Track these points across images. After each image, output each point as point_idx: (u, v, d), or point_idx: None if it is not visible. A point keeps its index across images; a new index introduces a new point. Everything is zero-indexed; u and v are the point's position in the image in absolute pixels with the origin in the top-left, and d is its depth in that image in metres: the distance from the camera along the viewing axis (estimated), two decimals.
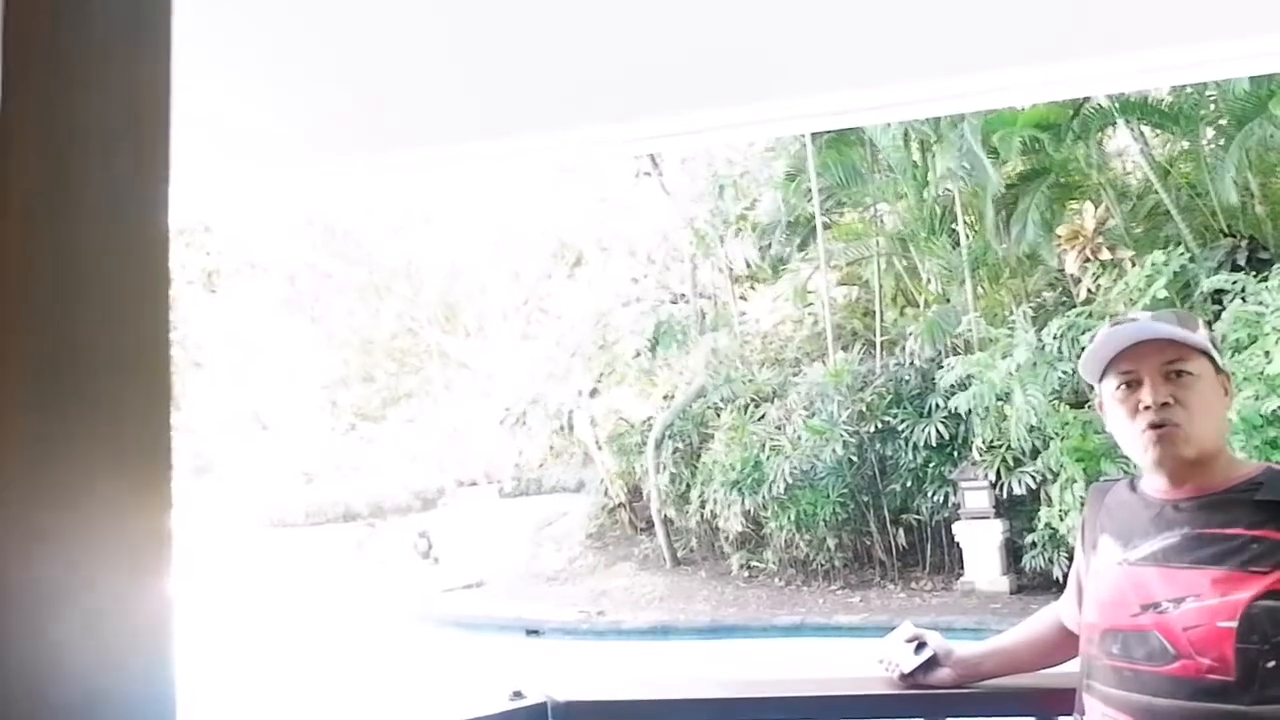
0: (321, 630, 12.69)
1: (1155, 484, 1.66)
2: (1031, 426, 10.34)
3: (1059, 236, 11.10)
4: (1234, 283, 8.83)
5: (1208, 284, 9.29)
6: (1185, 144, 12.75)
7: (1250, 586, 1.45)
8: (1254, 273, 9.30)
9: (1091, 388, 1.75)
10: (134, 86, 0.48)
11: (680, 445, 14.20)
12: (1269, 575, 1.45)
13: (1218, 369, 1.63)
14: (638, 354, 14.78)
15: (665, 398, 15.00)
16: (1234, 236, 10.87)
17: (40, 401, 0.43)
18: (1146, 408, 1.58)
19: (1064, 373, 10.24)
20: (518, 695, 2.19)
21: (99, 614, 0.43)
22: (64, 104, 0.46)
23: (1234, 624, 1.44)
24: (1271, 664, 1.43)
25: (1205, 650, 1.47)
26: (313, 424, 22.51)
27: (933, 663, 2.00)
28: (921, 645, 2.02)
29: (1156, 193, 12.11)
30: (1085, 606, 1.70)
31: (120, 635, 0.44)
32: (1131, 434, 1.62)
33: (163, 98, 0.49)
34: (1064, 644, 1.95)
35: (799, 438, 12.16)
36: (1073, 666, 2.09)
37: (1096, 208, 11.06)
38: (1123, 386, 1.62)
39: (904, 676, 2.00)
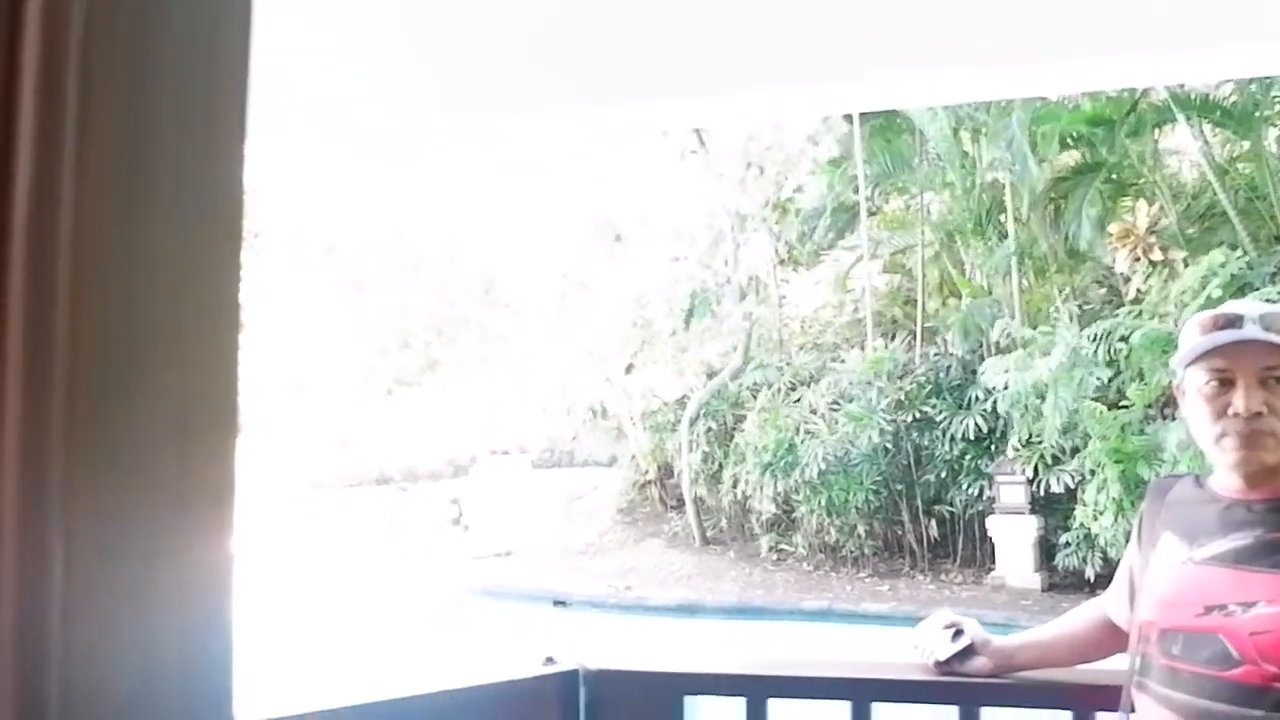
0: (353, 593, 12.87)
1: (1227, 483, 1.61)
2: (1070, 426, 10.20)
3: (1110, 234, 10.89)
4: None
5: (1258, 295, 9.08)
6: (1245, 144, 12.44)
7: None
8: None
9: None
10: (214, 35, 0.48)
11: (714, 425, 14.19)
12: None
13: None
14: (674, 332, 14.74)
15: (701, 376, 14.97)
16: None
17: (114, 364, 0.43)
18: (1237, 414, 1.53)
19: (1100, 373, 10.09)
20: (550, 661, 2.21)
21: (161, 580, 0.44)
22: (142, 48, 0.46)
23: None
24: None
25: (1273, 657, 1.43)
26: (349, 389, 22.73)
27: (969, 651, 1.98)
28: (959, 633, 2.00)
29: (1212, 193, 11.83)
30: (1142, 604, 1.66)
31: (179, 602, 0.45)
32: (1213, 433, 1.57)
33: (242, 47, 0.49)
34: (1107, 640, 1.91)
35: (835, 423, 12.09)
36: (1113, 663, 2.07)
37: (1150, 206, 10.83)
38: (1213, 383, 1.57)
39: (939, 663, 1.99)
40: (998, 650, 1.97)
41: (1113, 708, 1.82)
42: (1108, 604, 1.91)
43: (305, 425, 21.93)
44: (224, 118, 0.49)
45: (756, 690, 2.09)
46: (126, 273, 0.44)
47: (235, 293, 0.49)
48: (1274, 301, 8.67)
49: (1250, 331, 1.55)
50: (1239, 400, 1.53)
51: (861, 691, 2.07)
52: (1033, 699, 2.01)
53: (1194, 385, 1.61)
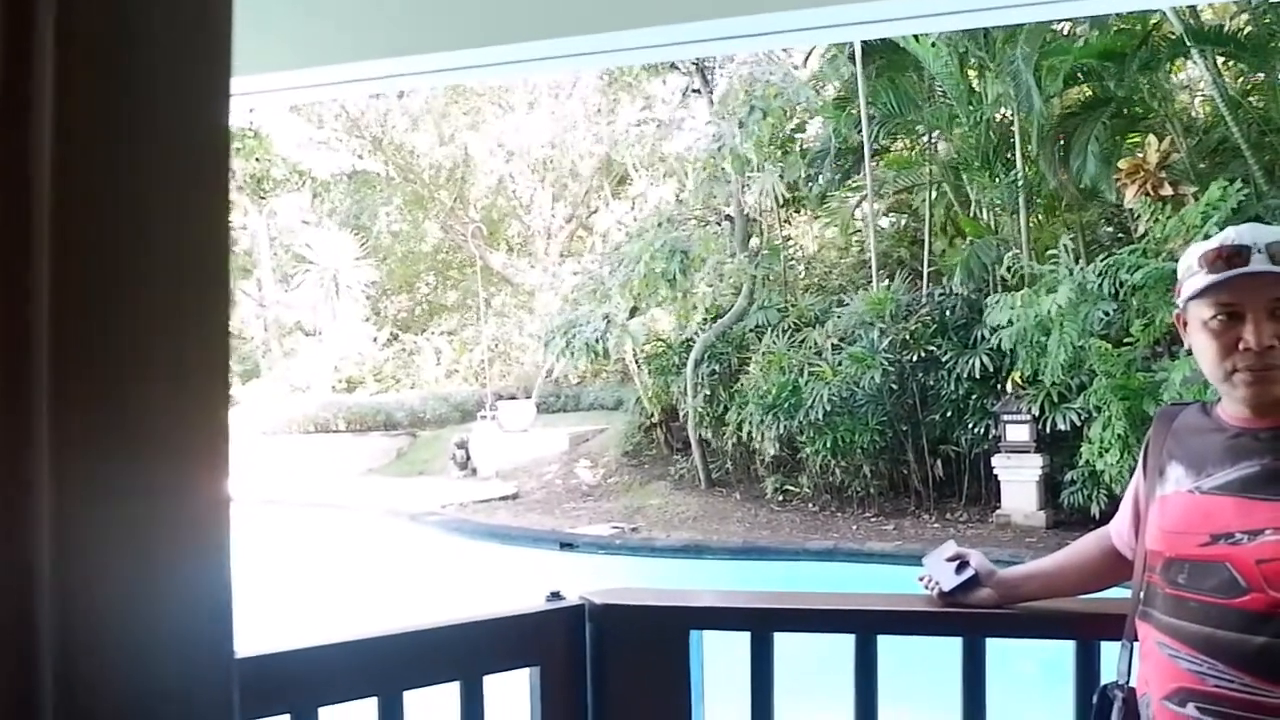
0: (360, 535, 13.01)
1: (1235, 412, 1.60)
2: (1075, 363, 10.18)
3: (1119, 170, 10.76)
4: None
5: (1233, 231, 8.98)
6: (1259, 76, 12.22)
7: None
8: None
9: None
10: None
11: (719, 367, 14.20)
12: None
13: None
14: (678, 274, 14.67)
15: (705, 319, 14.94)
16: None
17: (104, 316, 0.42)
18: (1248, 349, 1.50)
19: (1105, 310, 10.03)
20: (555, 596, 2.22)
21: (158, 520, 0.43)
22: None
23: None
24: None
25: (1279, 584, 1.43)
26: (355, 333, 22.75)
27: (974, 582, 1.99)
28: (964, 564, 2.01)
29: (1224, 127, 11.66)
30: (1148, 533, 1.66)
31: (177, 540, 0.45)
32: (1222, 369, 1.55)
33: None
34: (1112, 569, 1.92)
35: (839, 364, 12.08)
36: (1118, 591, 2.07)
37: (1161, 141, 10.68)
38: (1221, 318, 1.54)
39: (944, 595, 2.00)
40: (1002, 581, 1.98)
41: (1117, 637, 1.84)
42: (1112, 532, 1.91)
43: (312, 369, 22.00)
44: (211, 59, 0.47)
45: (761, 623, 2.11)
46: (112, 216, 0.43)
47: (225, 236, 0.47)
48: None
49: (1258, 264, 1.52)
50: (1250, 335, 1.51)
51: (865, 624, 2.09)
52: (1036, 629, 2.02)
53: (1199, 318, 1.59)
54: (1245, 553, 1.48)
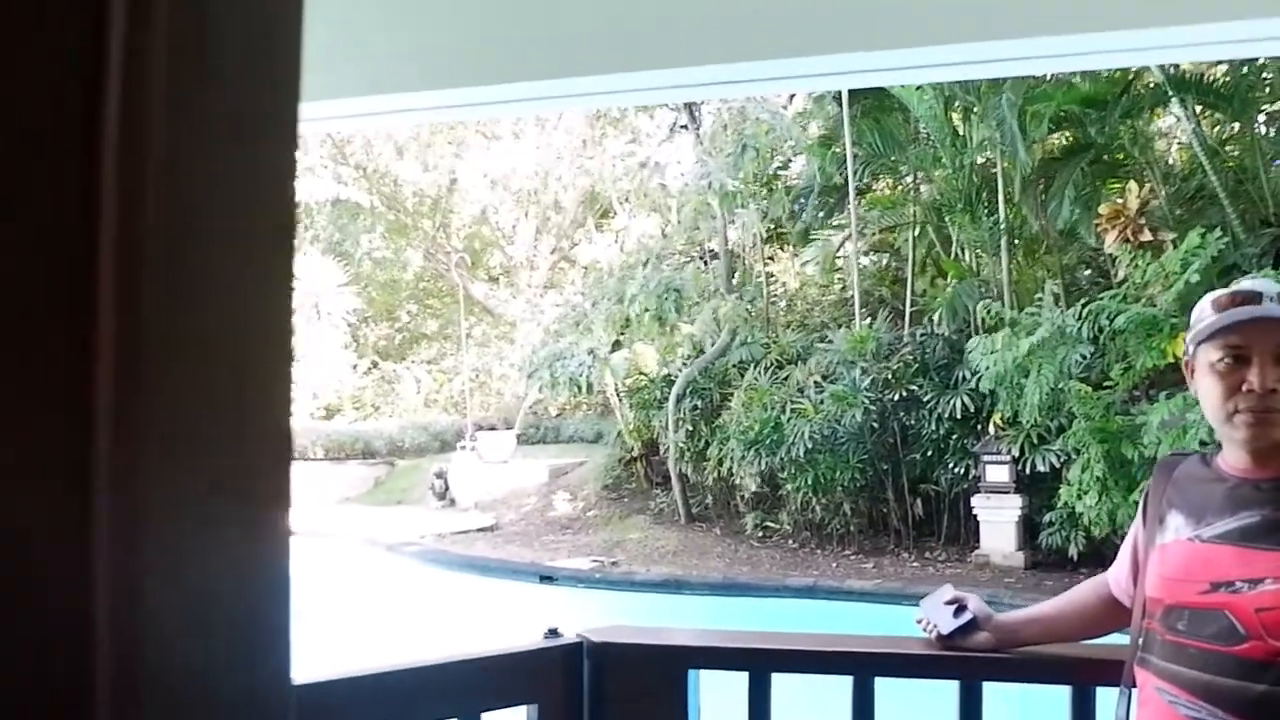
0: (337, 564, 12.87)
1: (1235, 461, 1.63)
2: (1055, 406, 10.27)
3: (1100, 215, 10.94)
4: (1276, 276, 8.69)
5: (1247, 281, 9.15)
6: (1236, 126, 12.49)
7: None
8: None
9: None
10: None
11: (701, 403, 14.22)
12: None
13: None
14: (661, 309, 14.73)
15: (687, 354, 14.99)
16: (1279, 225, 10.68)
17: (171, 343, 0.43)
18: (1251, 390, 1.54)
19: (1084, 353, 10.15)
20: (553, 633, 2.22)
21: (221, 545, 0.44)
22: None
23: None
24: None
25: (1278, 633, 1.45)
26: (334, 360, 22.64)
27: (972, 626, 2.00)
28: (961, 608, 2.02)
29: (1201, 175, 11.88)
30: (1148, 580, 1.68)
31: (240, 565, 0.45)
32: (1224, 410, 1.58)
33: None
34: (1110, 616, 1.94)
35: (822, 402, 12.14)
36: (1115, 638, 2.09)
37: (1140, 188, 10.87)
38: (1228, 360, 1.58)
39: (942, 638, 2.01)
40: (1000, 625, 2.00)
41: (1113, 683, 1.85)
42: (1110, 580, 1.93)
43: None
44: (279, 81, 0.48)
45: (759, 664, 2.11)
46: (181, 244, 0.44)
47: (289, 266, 0.48)
48: None
49: (1269, 309, 1.56)
50: (1255, 377, 1.54)
51: (864, 666, 2.10)
52: (1033, 674, 2.04)
53: (1207, 361, 1.62)
54: (1245, 601, 1.51)
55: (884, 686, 2.08)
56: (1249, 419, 1.55)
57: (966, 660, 2.02)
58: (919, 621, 2.09)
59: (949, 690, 2.05)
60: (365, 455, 19.70)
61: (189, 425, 0.44)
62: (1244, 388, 1.55)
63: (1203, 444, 8.47)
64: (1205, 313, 1.64)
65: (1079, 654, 2.01)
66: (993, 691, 2.04)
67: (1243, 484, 1.60)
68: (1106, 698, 1.94)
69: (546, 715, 2.10)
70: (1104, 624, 1.97)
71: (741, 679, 2.12)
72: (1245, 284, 1.64)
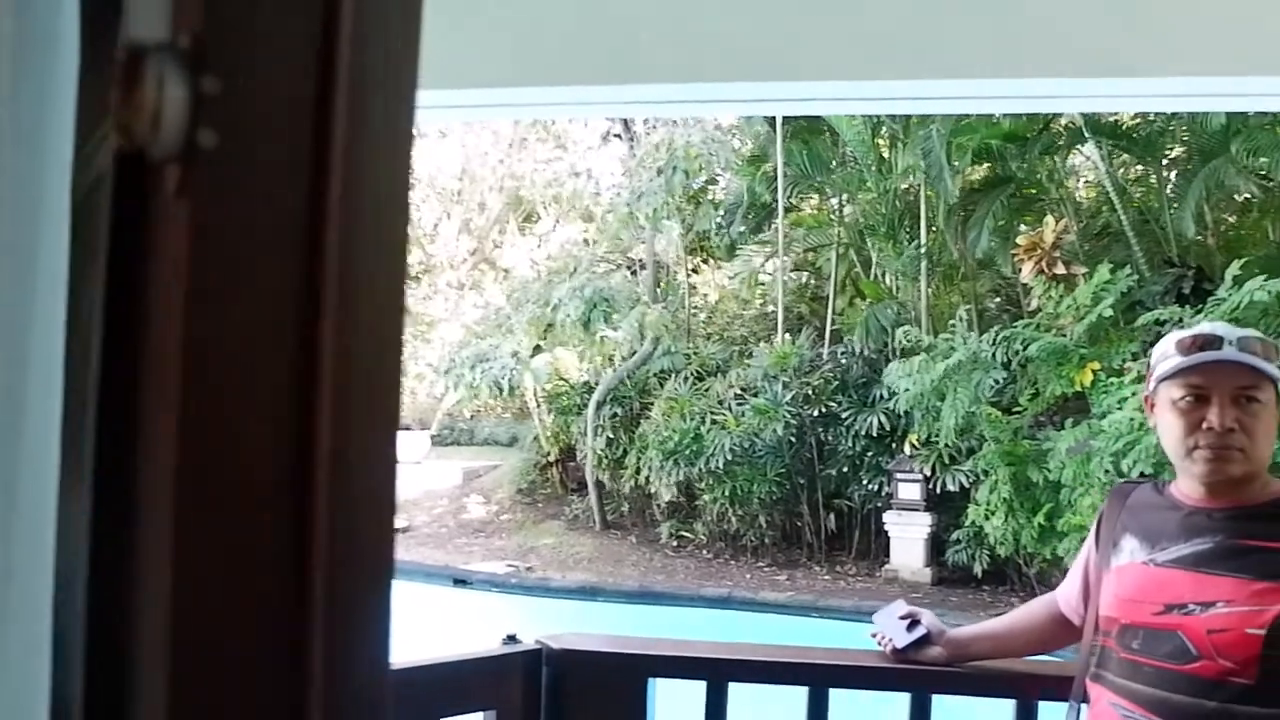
0: None
1: (1190, 492, 1.72)
2: (966, 428, 10.60)
3: (1018, 246, 11.36)
4: (1179, 319, 9.12)
5: (1150, 315, 9.59)
6: (1142, 168, 13.12)
7: None
8: (1196, 305, 9.63)
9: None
10: None
11: (620, 410, 14.25)
12: None
13: (1279, 396, 1.70)
14: (583, 316, 14.73)
15: (608, 361, 15.02)
16: (1182, 266, 11.22)
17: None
18: (1210, 429, 1.63)
19: (997, 378, 10.50)
20: (511, 639, 2.22)
21: None
22: None
23: (1263, 631, 1.52)
24: None
25: (1229, 653, 1.54)
26: None
27: (925, 640, 2.07)
28: (915, 623, 2.09)
29: (1108, 213, 12.43)
30: (1104, 600, 1.77)
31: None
32: (1184, 446, 1.67)
33: None
34: (1059, 633, 2.03)
35: (742, 414, 12.28)
36: (1064, 654, 2.18)
37: (1056, 222, 11.33)
38: (1189, 399, 1.67)
39: (896, 652, 2.07)
40: (952, 640, 2.07)
41: (1057, 697, 1.94)
42: (1060, 599, 2.02)
43: None
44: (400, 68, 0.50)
45: (717, 673, 2.15)
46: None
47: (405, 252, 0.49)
48: (1164, 321, 9.18)
49: (1229, 353, 1.66)
50: (1214, 416, 1.63)
51: (819, 677, 2.14)
52: (982, 688, 2.11)
53: (1169, 399, 1.71)
54: (1197, 623, 1.60)
55: (837, 698, 2.13)
56: (1208, 454, 1.65)
57: (918, 673, 2.08)
58: (874, 635, 2.15)
59: (900, 702, 2.11)
60: None
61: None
62: (1204, 425, 1.64)
63: (1105, 471, 8.85)
64: (1169, 353, 1.73)
65: (1026, 669, 2.09)
66: (940, 705, 2.11)
67: (1196, 512, 1.70)
68: (1048, 711, 2.04)
69: None
70: (1052, 641, 2.06)
71: (692, 689, 2.15)
72: (1205, 328, 1.74)
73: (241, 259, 0.41)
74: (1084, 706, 1.82)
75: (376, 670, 0.46)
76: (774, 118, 13.53)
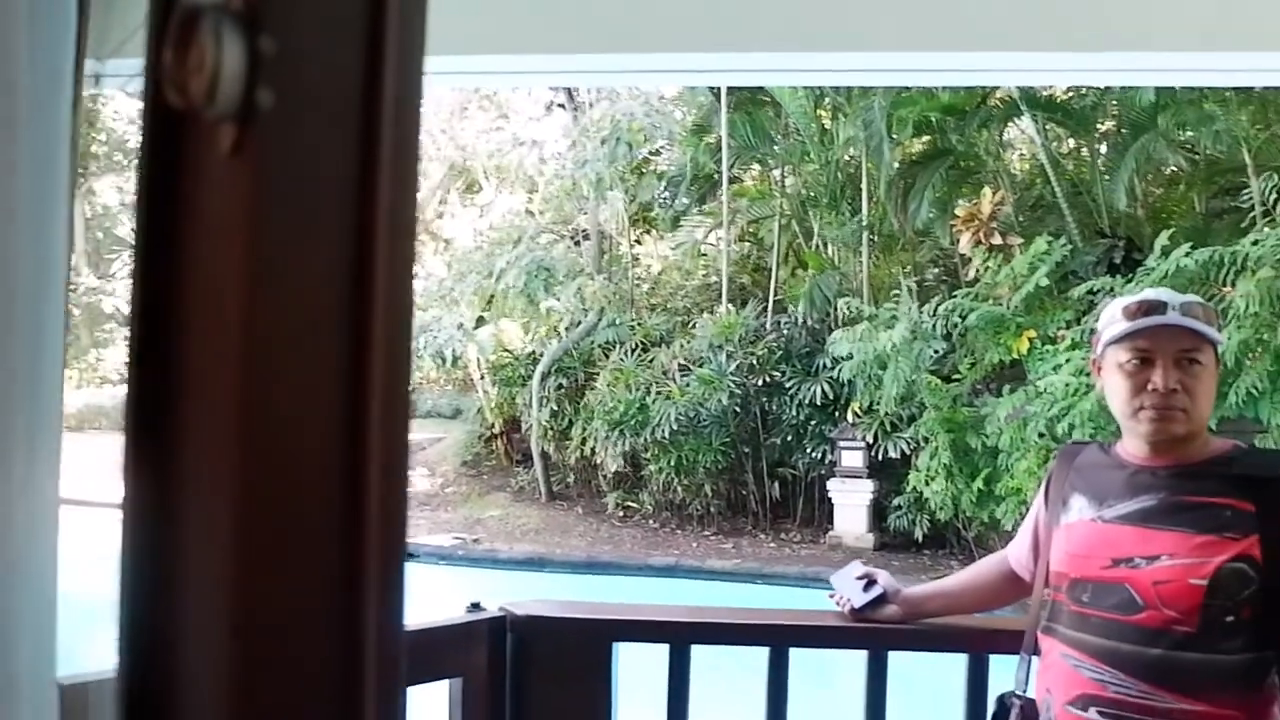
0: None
1: (1134, 450, 1.80)
2: (907, 396, 10.81)
3: (957, 217, 11.54)
4: (1110, 288, 9.38)
5: (1084, 287, 9.86)
6: (1075, 141, 13.40)
7: (1224, 551, 1.61)
8: (1126, 274, 9.91)
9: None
10: None
11: (566, 382, 14.24)
12: (1241, 541, 1.61)
13: (1218, 358, 1.77)
14: (526, 287, 14.66)
15: (552, 332, 14.99)
16: (1113, 236, 11.52)
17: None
18: (1155, 390, 1.70)
19: (937, 347, 10.71)
20: (475, 607, 2.23)
21: None
22: None
23: (1204, 582, 1.60)
24: (1230, 619, 1.60)
25: (1173, 603, 1.62)
26: None
27: (881, 600, 2.13)
28: (871, 583, 2.15)
29: (1043, 185, 12.70)
30: (1054, 556, 1.84)
31: None
32: (1130, 406, 1.74)
33: None
34: (1009, 589, 2.11)
35: (687, 385, 12.36)
36: (1010, 610, 2.27)
37: (994, 194, 11.53)
38: (1135, 362, 1.74)
39: (854, 611, 2.13)
40: (907, 599, 2.14)
41: (1006, 651, 2.02)
42: (1010, 556, 2.09)
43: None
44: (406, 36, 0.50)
45: (681, 636, 2.18)
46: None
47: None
48: (1097, 291, 9.44)
49: (1172, 318, 1.73)
50: (1158, 378, 1.71)
51: (780, 637, 2.20)
52: (936, 644, 2.18)
53: (1115, 362, 1.78)
54: (1143, 575, 1.67)
55: (798, 657, 2.18)
56: (1152, 415, 1.72)
57: (875, 631, 2.15)
58: (831, 596, 2.21)
59: (858, 659, 2.17)
60: None
61: None
62: (1149, 387, 1.71)
63: (1040, 436, 9.10)
64: (1115, 318, 1.80)
65: (978, 625, 2.17)
66: (896, 661, 2.18)
67: (1141, 471, 1.77)
68: (998, 664, 2.12)
69: (470, 688, 2.11)
70: (1003, 597, 2.13)
71: (654, 653, 2.19)
72: (1149, 294, 1.81)
73: (297, 217, 0.41)
74: (1034, 659, 1.90)
75: (402, 630, 0.48)
76: (718, 89, 13.53)
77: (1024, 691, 1.90)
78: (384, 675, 0.44)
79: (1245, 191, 10.15)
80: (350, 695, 0.42)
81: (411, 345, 0.49)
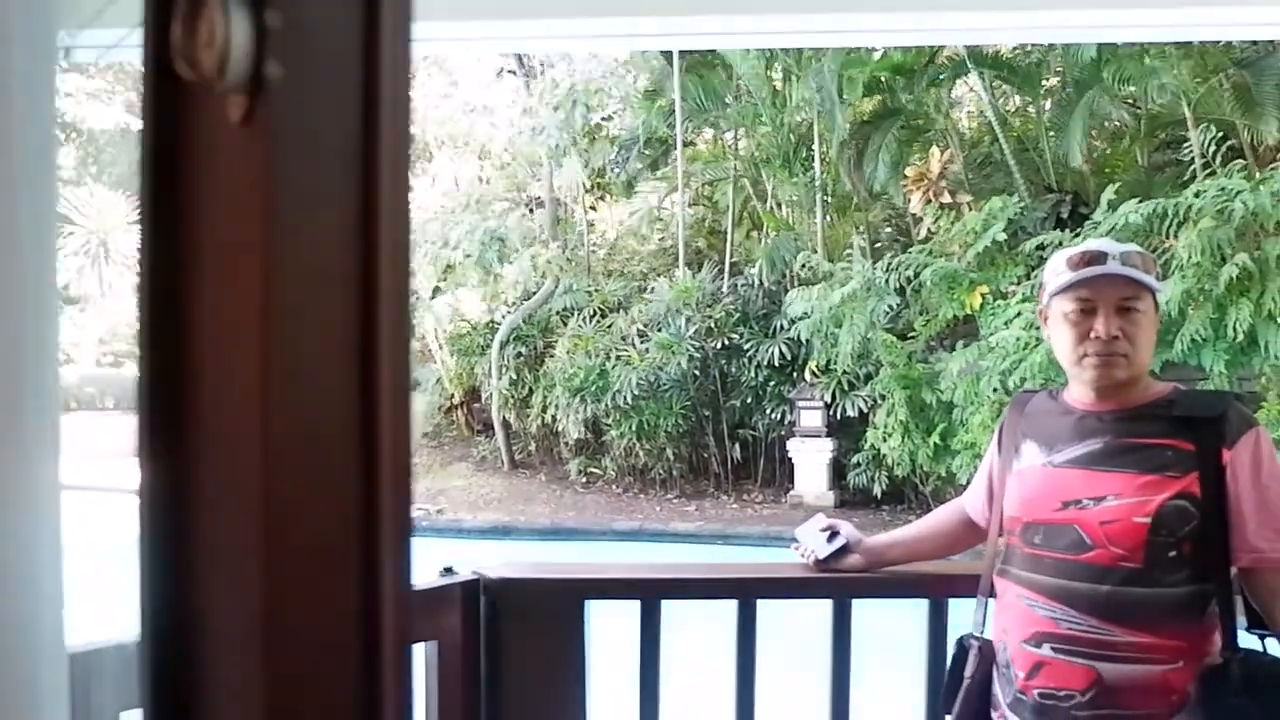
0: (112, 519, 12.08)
1: (1080, 396, 1.86)
2: (863, 354, 10.95)
3: (906, 177, 11.64)
4: (1059, 242, 9.55)
5: (1033, 242, 10.02)
6: (1022, 99, 13.55)
7: (1166, 489, 1.68)
8: (1074, 229, 10.09)
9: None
10: None
11: (524, 350, 14.23)
12: (1181, 479, 1.69)
13: (1158, 305, 1.84)
14: (481, 255, 14.57)
15: (510, 300, 14.93)
16: (1060, 192, 11.70)
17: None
18: (1097, 337, 1.76)
19: (891, 305, 10.84)
20: (448, 571, 2.26)
21: None
22: None
23: (1148, 520, 1.68)
24: (1173, 554, 1.68)
25: (1119, 541, 1.70)
26: (127, 303, 21.07)
27: (844, 550, 2.19)
28: (834, 534, 2.21)
29: (989, 142, 12.84)
30: (1007, 501, 1.90)
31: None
32: (1075, 354, 1.81)
33: None
34: (966, 535, 2.18)
35: (646, 350, 12.41)
36: (966, 556, 2.34)
37: (942, 153, 11.64)
38: (1078, 311, 1.80)
39: (819, 562, 2.19)
40: (869, 549, 2.20)
41: (965, 594, 2.09)
42: (966, 503, 2.16)
43: (71, 341, 20.24)
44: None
45: (651, 592, 2.23)
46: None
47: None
48: (1045, 245, 9.60)
49: (1112, 267, 1.79)
50: (1100, 325, 1.77)
51: (747, 590, 2.25)
52: (897, 590, 2.25)
53: (1060, 311, 1.84)
54: (1091, 516, 1.75)
55: (765, 609, 2.24)
56: (1095, 361, 1.79)
57: (838, 581, 2.21)
58: (796, 548, 2.27)
59: (823, 608, 2.24)
60: None
61: None
62: (1092, 334, 1.78)
63: (994, 390, 9.28)
64: (1059, 269, 1.85)
65: (936, 570, 2.24)
66: (859, 608, 2.25)
67: (1087, 415, 1.84)
68: (957, 607, 2.19)
69: (446, 651, 2.14)
70: (960, 543, 2.20)
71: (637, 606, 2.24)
72: (1091, 245, 1.87)
73: (307, 180, 0.44)
74: (991, 601, 1.97)
75: (409, 585, 0.51)
76: (670, 53, 13.46)
77: (981, 633, 1.98)
78: (398, 630, 0.47)
79: (1186, 145, 10.35)
80: (370, 649, 0.45)
81: (411, 297, 0.52)
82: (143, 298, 0.46)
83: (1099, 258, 1.81)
